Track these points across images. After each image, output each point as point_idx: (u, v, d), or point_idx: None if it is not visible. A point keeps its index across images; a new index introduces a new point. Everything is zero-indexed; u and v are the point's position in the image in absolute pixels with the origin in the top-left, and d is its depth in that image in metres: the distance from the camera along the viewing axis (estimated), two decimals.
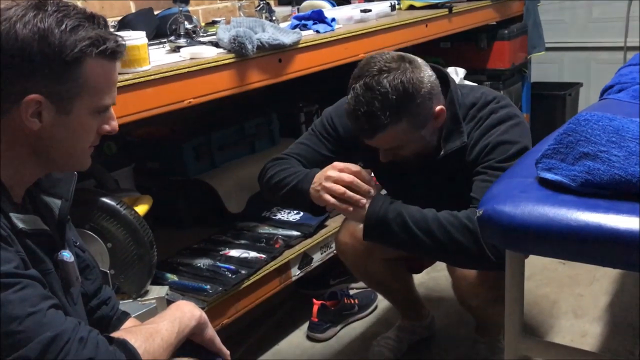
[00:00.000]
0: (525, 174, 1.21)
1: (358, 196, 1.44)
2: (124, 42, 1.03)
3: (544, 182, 1.15)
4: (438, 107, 1.48)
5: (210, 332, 1.17)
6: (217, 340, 1.18)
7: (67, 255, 1.04)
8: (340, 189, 1.44)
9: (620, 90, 1.75)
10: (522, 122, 1.56)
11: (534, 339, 1.60)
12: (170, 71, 1.49)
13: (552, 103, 3.39)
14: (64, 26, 0.94)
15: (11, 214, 0.96)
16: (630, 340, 1.95)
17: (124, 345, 0.96)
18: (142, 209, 1.66)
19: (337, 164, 1.49)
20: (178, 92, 1.51)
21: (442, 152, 1.54)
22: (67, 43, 0.94)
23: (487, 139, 1.50)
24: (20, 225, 0.96)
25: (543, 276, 2.36)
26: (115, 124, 1.07)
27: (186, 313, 1.11)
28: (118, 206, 1.53)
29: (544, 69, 3.70)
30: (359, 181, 1.45)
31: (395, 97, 1.39)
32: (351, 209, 1.44)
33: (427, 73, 1.45)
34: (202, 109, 1.71)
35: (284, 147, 2.39)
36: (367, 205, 1.44)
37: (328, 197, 1.45)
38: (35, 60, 0.94)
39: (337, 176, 1.45)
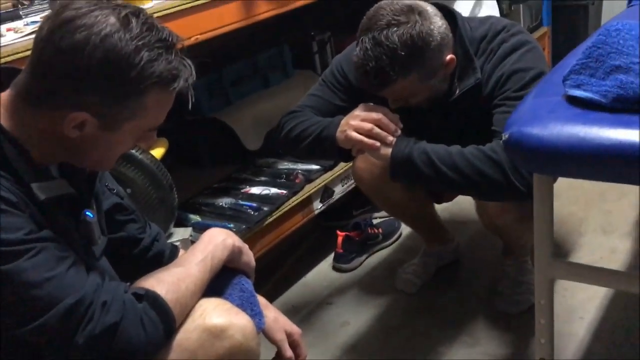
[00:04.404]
0: (552, 93, 1.15)
1: (385, 133, 1.43)
2: (193, 76, 0.96)
3: (572, 100, 1.09)
4: (448, 57, 1.45)
5: (245, 258, 1.16)
6: (252, 265, 1.18)
7: (90, 215, 1.01)
8: (367, 125, 1.43)
9: None
10: (536, 48, 1.51)
11: (564, 262, 1.58)
12: (173, 7, 1.44)
13: (574, 14, 3.24)
14: (140, 57, 0.88)
15: (32, 185, 0.90)
16: None
17: (154, 300, 0.93)
18: (158, 152, 1.64)
19: (364, 104, 1.47)
20: (183, 28, 1.44)
21: (457, 92, 1.51)
22: (138, 75, 0.88)
23: (500, 70, 1.47)
24: (42, 196, 0.91)
25: (570, 194, 2.32)
26: (153, 142, 1.04)
27: (219, 245, 1.09)
28: (133, 151, 1.51)
29: None
30: (386, 119, 1.44)
31: (404, 52, 1.36)
32: (378, 144, 1.43)
33: (437, 24, 1.41)
34: (211, 45, 1.65)
35: (298, 79, 2.35)
36: (393, 143, 1.43)
37: (355, 134, 1.44)
38: (98, 81, 0.87)
39: (364, 115, 1.44)
